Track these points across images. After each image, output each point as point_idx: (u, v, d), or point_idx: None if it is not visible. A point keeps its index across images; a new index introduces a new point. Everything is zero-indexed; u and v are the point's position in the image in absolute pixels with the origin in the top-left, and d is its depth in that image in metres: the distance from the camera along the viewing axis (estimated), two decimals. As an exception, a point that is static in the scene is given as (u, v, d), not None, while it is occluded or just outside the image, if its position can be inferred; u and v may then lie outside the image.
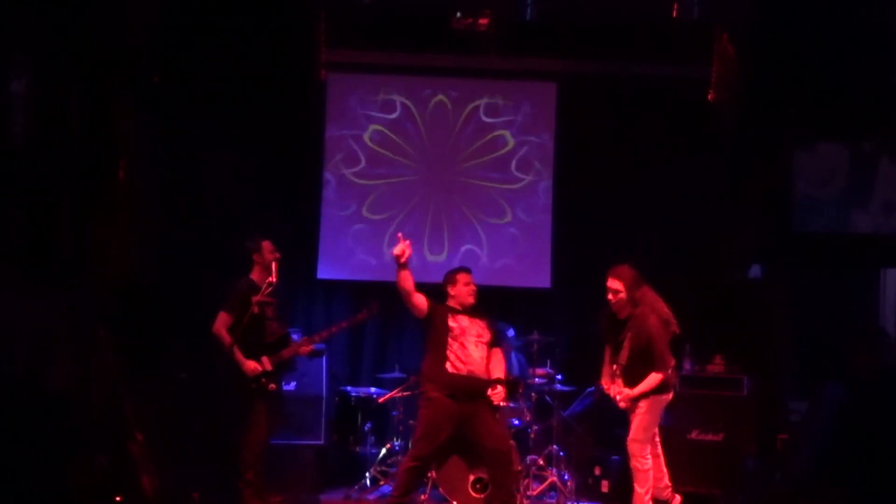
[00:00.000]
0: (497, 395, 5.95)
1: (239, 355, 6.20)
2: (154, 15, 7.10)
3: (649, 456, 5.84)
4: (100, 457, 5.96)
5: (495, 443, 5.94)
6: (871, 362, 6.37)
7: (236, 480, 6.24)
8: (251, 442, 6.24)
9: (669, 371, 5.82)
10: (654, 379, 5.76)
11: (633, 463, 5.83)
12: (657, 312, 5.83)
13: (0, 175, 6.13)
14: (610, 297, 5.91)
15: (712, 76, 7.17)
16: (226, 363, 6.22)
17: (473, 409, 5.91)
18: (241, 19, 7.68)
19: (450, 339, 5.94)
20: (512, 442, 6.56)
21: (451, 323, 5.97)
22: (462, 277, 6.11)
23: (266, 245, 6.41)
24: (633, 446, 5.83)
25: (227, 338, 6.24)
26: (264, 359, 6.26)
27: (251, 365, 6.21)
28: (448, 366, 5.90)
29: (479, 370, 5.95)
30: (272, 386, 6.27)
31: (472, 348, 5.95)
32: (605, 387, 6.00)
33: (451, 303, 6.08)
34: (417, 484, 6.18)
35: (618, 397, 5.87)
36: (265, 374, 6.26)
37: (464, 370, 5.91)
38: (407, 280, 5.86)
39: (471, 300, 6.08)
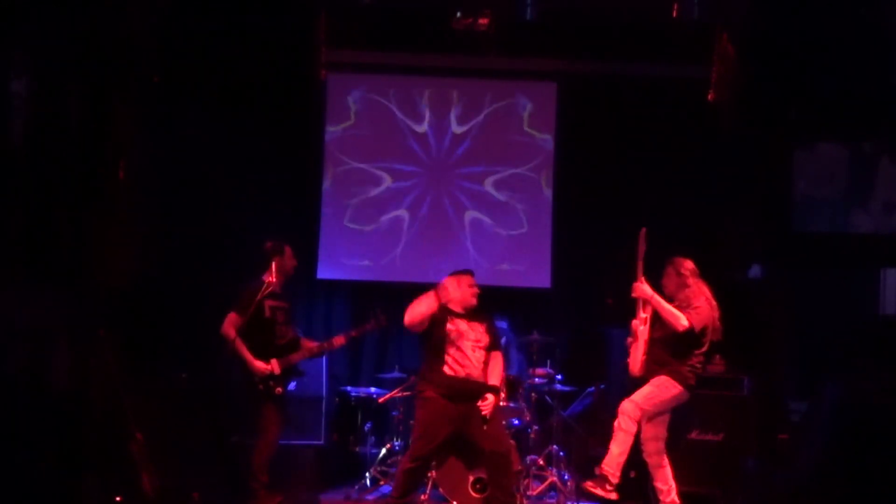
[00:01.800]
0: (486, 405, 5.93)
1: (248, 355, 6.19)
2: (154, 15, 7.10)
3: (635, 424, 5.79)
4: (99, 456, 5.98)
5: (493, 444, 5.93)
6: (869, 361, 6.37)
7: (250, 481, 6.23)
8: (264, 444, 6.24)
9: (688, 325, 5.71)
10: (678, 314, 5.71)
11: (617, 420, 5.80)
12: (710, 302, 5.86)
13: (0, 175, 6.13)
14: (664, 279, 5.98)
15: (712, 76, 7.17)
16: (232, 364, 6.22)
17: (470, 409, 5.91)
18: (241, 19, 7.69)
19: (447, 345, 5.93)
20: (512, 442, 6.56)
21: (448, 327, 5.95)
22: (466, 279, 6.10)
23: (290, 250, 6.41)
24: (625, 405, 5.79)
25: (235, 338, 6.21)
26: (273, 361, 6.25)
27: (260, 365, 6.20)
28: (446, 368, 5.90)
29: (476, 373, 5.94)
30: (279, 390, 6.26)
31: (469, 353, 5.93)
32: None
33: (451, 305, 6.08)
34: (417, 484, 6.18)
35: (639, 285, 5.82)
36: (273, 377, 6.25)
37: (461, 373, 5.91)
38: (432, 310, 5.89)
39: (473, 301, 6.07)
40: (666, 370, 5.82)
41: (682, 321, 5.70)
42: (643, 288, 5.83)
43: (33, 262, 6.23)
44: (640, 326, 5.88)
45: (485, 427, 5.93)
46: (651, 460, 5.93)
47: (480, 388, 5.94)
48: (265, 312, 6.26)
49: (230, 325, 6.25)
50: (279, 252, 6.34)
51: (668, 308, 5.76)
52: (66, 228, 6.39)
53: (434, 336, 5.95)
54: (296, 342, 6.46)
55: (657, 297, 5.81)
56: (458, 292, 5.97)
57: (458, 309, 6.03)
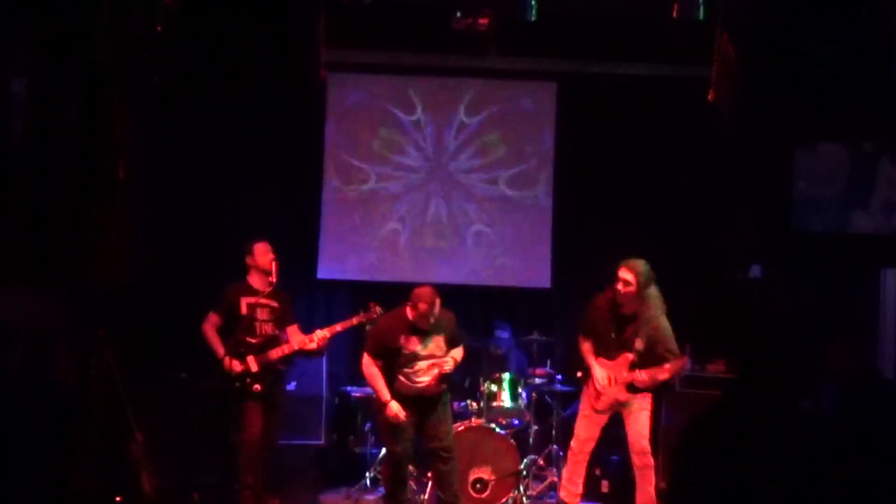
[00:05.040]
0: (443, 363, 5.93)
1: (219, 353, 6.18)
2: (154, 15, 7.10)
3: None
4: (99, 456, 5.98)
5: (438, 442, 5.98)
6: (852, 363, 6.35)
7: (233, 483, 6.22)
8: (243, 443, 6.17)
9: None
10: (680, 363, 5.80)
11: (647, 460, 5.83)
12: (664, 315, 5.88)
13: (0, 175, 6.13)
14: (620, 286, 5.85)
15: (712, 76, 7.16)
16: (213, 363, 6.23)
17: (423, 414, 5.98)
18: (241, 19, 7.68)
19: (398, 367, 5.95)
20: (512, 441, 6.57)
21: (403, 350, 5.91)
22: (422, 306, 5.83)
23: (257, 248, 6.36)
24: (645, 443, 5.84)
25: (211, 336, 6.26)
26: (250, 359, 6.17)
27: (226, 363, 6.13)
28: (398, 386, 5.96)
29: (431, 386, 5.97)
30: (256, 387, 6.15)
31: (421, 371, 5.93)
32: (607, 378, 5.88)
33: (410, 316, 5.93)
34: (403, 484, 6.14)
35: (646, 379, 5.78)
36: (249, 374, 6.17)
37: (413, 390, 5.93)
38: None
39: (423, 327, 5.91)
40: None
41: (685, 362, 5.99)
42: (644, 377, 5.84)
43: (33, 262, 6.23)
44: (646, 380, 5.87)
45: (444, 415, 6.03)
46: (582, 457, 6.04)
47: (432, 399, 5.96)
48: (241, 310, 6.23)
49: (209, 324, 6.30)
50: (248, 251, 6.36)
51: (674, 369, 5.86)
52: (66, 228, 6.38)
53: (388, 356, 5.96)
54: (275, 339, 6.32)
55: (665, 374, 5.84)
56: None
57: (413, 324, 5.94)
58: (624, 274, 5.84)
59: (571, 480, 6.03)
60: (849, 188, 7.81)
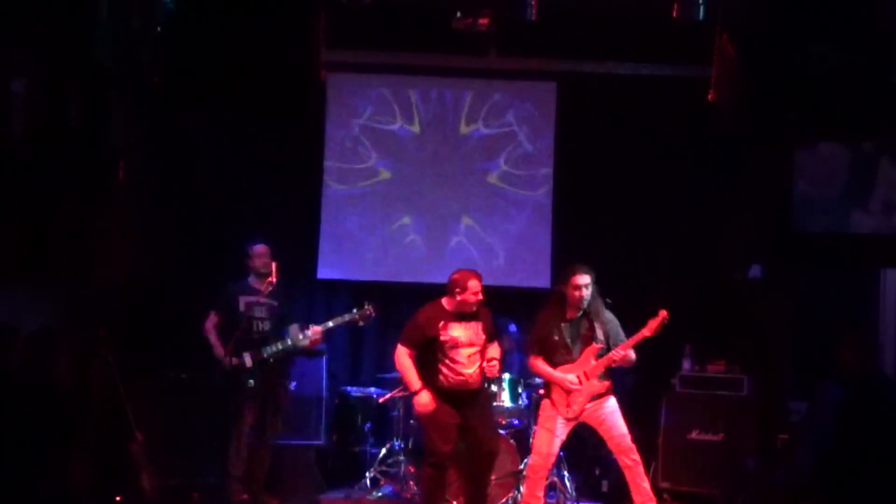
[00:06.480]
0: (492, 367, 5.88)
1: (216, 349, 6.33)
2: (154, 15, 7.10)
3: None
4: (99, 456, 5.98)
5: (487, 446, 5.90)
6: (858, 361, 6.36)
7: (223, 476, 6.28)
8: (234, 435, 6.30)
9: None
10: (657, 319, 5.67)
11: (636, 457, 5.80)
12: None
13: (0, 175, 6.13)
14: (579, 293, 5.80)
15: (712, 76, 7.17)
16: (213, 361, 6.33)
17: (467, 412, 5.90)
18: (241, 19, 7.67)
19: (441, 355, 5.85)
20: (512, 442, 6.56)
21: (442, 338, 5.83)
22: (473, 286, 5.84)
23: (255, 251, 6.52)
24: (629, 441, 5.82)
25: (211, 335, 6.42)
26: (245, 355, 6.30)
27: (225, 361, 6.29)
28: (441, 378, 5.86)
29: (473, 377, 5.88)
30: (251, 382, 6.28)
31: (463, 359, 5.84)
32: (577, 377, 5.78)
33: (449, 305, 5.91)
34: (443, 488, 6.04)
35: (624, 353, 5.71)
36: (244, 370, 6.29)
37: (457, 380, 5.85)
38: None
39: (472, 309, 5.91)
40: (608, 391, 5.85)
41: None
42: (625, 350, 5.75)
43: (33, 262, 6.23)
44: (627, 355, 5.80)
45: (487, 415, 5.96)
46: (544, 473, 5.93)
47: (474, 395, 5.91)
48: (239, 308, 6.38)
49: (209, 323, 6.47)
50: (247, 255, 6.53)
51: (647, 333, 5.74)
52: (66, 228, 6.39)
53: (427, 350, 5.90)
54: (272, 337, 6.42)
55: (637, 339, 5.75)
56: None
57: (453, 310, 5.89)
58: (581, 279, 5.81)
59: (534, 496, 5.86)
60: (849, 188, 7.81)
